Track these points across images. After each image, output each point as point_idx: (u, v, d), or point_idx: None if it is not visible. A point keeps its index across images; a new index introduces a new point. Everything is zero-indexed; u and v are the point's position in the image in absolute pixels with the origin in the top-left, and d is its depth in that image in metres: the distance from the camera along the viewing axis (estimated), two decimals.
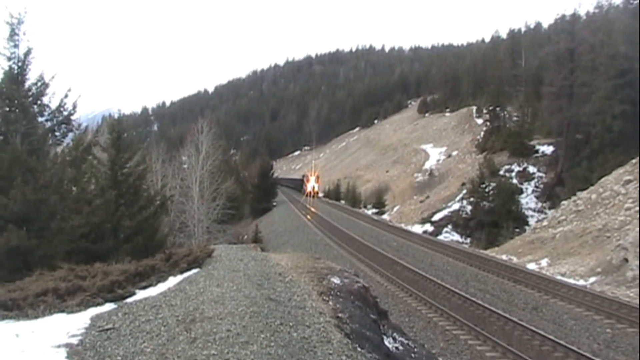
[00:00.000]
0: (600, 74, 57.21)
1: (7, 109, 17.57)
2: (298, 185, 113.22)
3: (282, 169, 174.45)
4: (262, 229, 50.01)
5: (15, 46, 17.48)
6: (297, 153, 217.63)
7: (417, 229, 60.92)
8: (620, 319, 20.25)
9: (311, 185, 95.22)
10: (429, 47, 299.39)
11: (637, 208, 36.59)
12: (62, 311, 9.92)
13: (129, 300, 10.74)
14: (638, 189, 39.71)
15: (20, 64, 17.60)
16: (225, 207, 49.36)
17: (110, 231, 19.31)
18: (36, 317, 9.50)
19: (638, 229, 31.04)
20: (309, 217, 62.95)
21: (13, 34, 17.34)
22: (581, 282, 28.25)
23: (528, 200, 62.64)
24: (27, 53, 17.68)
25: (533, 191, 64.31)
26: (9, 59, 17.49)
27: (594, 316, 21.04)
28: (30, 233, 15.98)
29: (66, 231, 16.98)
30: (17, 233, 15.46)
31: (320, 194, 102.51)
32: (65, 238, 16.92)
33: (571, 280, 28.36)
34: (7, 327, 8.83)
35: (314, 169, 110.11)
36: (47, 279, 12.09)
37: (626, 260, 28.84)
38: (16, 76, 17.59)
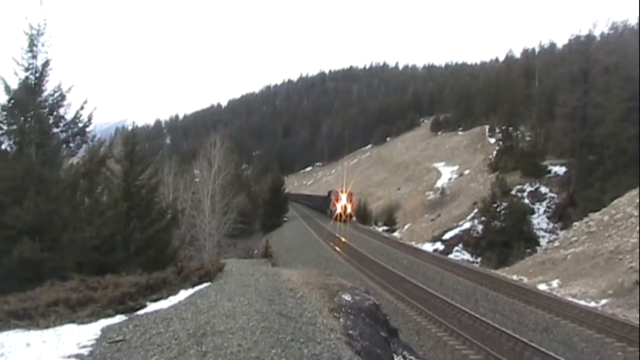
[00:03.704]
0: (614, 95, 57.15)
1: (23, 119, 17.64)
2: (320, 203, 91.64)
3: (294, 184, 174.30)
4: (273, 244, 49.90)
5: (34, 57, 17.58)
6: (309, 169, 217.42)
7: (428, 247, 60.75)
8: (632, 342, 20.03)
9: (342, 205, 73.42)
10: (443, 65, 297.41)
11: None
12: (73, 322, 9.95)
13: (140, 312, 10.76)
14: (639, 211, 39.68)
15: (37, 74, 17.70)
16: (236, 222, 49.38)
17: (121, 243, 19.31)
18: (47, 327, 9.52)
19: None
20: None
21: (32, 45, 17.45)
22: (592, 304, 28.04)
23: (540, 220, 62.41)
24: (45, 64, 17.77)
25: (545, 212, 64.07)
26: (27, 69, 17.58)
27: (605, 339, 20.85)
28: (42, 244, 16.01)
29: (78, 243, 17.00)
30: (30, 244, 15.51)
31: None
32: (77, 249, 16.95)
33: (582, 302, 28.15)
34: (18, 337, 8.85)
35: (345, 183, 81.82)
36: (59, 290, 12.14)
37: (638, 282, 28.64)
38: (33, 87, 17.68)
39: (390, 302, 26.70)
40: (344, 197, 73.99)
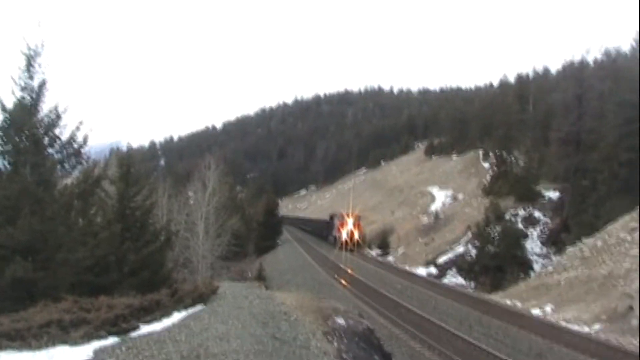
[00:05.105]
0: (607, 121, 57.43)
1: (18, 139, 17.64)
2: (320, 229, 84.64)
3: (288, 207, 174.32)
4: (266, 267, 49.87)
5: (31, 77, 17.62)
6: (303, 192, 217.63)
7: (422, 271, 60.60)
8: None
9: (347, 230, 64.25)
10: (438, 89, 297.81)
11: None
12: (66, 343, 9.90)
13: (133, 334, 10.72)
14: (638, 236, 39.66)
15: (34, 95, 17.74)
16: (230, 244, 49.21)
17: (115, 264, 19.27)
18: (39, 348, 9.48)
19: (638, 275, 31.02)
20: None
21: (29, 65, 17.50)
22: (586, 329, 28.00)
23: (533, 245, 62.32)
24: (42, 84, 17.81)
25: (538, 236, 64.02)
26: (23, 89, 17.62)
27: None
28: (35, 264, 15.96)
29: (71, 263, 16.95)
30: (23, 264, 15.45)
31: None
32: (71, 270, 16.90)
33: (576, 327, 28.14)
34: (10, 358, 8.81)
35: (351, 205, 72.33)
36: (51, 311, 12.08)
37: (631, 308, 28.64)
38: (29, 107, 17.71)
39: (384, 326, 26.67)
40: (350, 221, 65.76)
